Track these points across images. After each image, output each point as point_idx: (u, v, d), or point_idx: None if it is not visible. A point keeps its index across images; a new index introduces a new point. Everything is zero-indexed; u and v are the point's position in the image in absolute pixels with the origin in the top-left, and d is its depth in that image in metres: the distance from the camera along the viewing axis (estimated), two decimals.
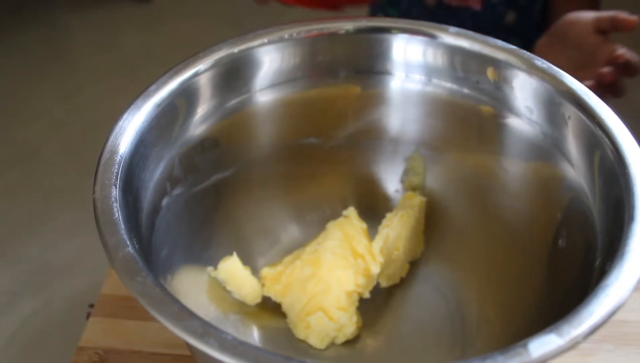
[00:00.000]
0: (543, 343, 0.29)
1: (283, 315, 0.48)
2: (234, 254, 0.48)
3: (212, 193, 0.48)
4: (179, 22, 1.78)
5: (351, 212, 0.51)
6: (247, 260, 0.49)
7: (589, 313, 0.30)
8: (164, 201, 0.43)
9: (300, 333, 0.47)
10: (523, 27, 0.81)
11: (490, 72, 0.46)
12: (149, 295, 0.31)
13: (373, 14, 0.90)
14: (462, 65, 0.47)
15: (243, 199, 0.50)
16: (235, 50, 0.46)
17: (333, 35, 0.48)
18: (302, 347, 0.47)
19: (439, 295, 0.50)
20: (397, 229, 0.49)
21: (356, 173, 0.53)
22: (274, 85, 0.48)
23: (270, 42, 0.47)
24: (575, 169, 0.42)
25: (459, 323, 0.48)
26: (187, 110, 0.44)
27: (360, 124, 0.51)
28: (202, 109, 0.45)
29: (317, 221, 0.52)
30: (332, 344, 0.47)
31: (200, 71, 0.44)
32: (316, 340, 0.47)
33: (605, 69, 0.53)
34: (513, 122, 0.46)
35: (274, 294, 0.49)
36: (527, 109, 0.45)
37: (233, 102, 0.47)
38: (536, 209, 0.46)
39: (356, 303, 0.48)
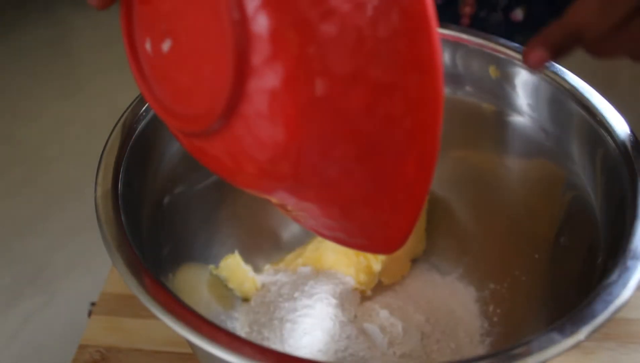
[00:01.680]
0: (545, 342, 0.29)
1: None
2: (236, 252, 0.48)
3: (213, 191, 0.48)
4: None
5: None
6: (248, 258, 0.49)
7: (591, 312, 0.30)
8: (166, 200, 0.43)
9: None
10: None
11: (492, 70, 0.46)
12: (150, 293, 0.31)
13: None
14: (464, 63, 0.47)
15: (245, 197, 0.50)
16: None
17: None
18: None
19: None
20: None
21: None
22: None
23: None
24: (577, 167, 0.42)
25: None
26: None
27: None
28: None
29: None
30: None
31: None
32: None
33: None
34: (515, 120, 0.46)
35: None
36: (529, 107, 0.45)
37: None
38: (538, 207, 0.46)
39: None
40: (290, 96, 0.24)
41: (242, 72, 0.24)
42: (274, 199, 0.30)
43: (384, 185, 0.28)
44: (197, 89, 0.26)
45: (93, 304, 0.52)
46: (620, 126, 0.39)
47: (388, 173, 0.28)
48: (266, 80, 0.24)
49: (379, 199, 0.29)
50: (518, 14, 0.69)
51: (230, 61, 0.24)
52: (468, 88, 0.48)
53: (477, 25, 0.68)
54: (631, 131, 0.39)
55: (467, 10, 0.66)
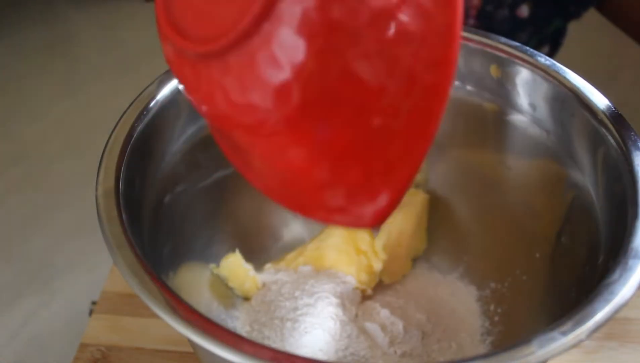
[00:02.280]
0: (546, 341, 0.29)
1: None
2: (237, 251, 0.48)
3: (214, 190, 0.48)
4: None
5: None
6: (249, 257, 0.49)
7: (592, 311, 0.30)
8: (167, 198, 0.43)
9: None
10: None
11: (493, 69, 0.46)
12: (151, 292, 0.31)
13: None
14: (465, 62, 0.47)
15: (245, 196, 0.50)
16: None
17: None
18: None
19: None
20: (400, 226, 0.49)
21: None
22: None
23: None
24: (578, 166, 0.42)
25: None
26: (189, 107, 0.44)
27: None
28: None
29: None
30: None
31: None
32: None
33: None
34: (516, 119, 0.46)
35: None
36: (530, 106, 0.45)
37: None
38: (539, 206, 0.46)
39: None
40: (321, 16, 0.25)
41: None
42: (258, 145, 0.29)
43: (384, 143, 0.28)
44: (223, 11, 0.26)
45: (94, 303, 0.52)
46: (621, 125, 0.39)
47: (390, 131, 0.27)
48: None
49: (374, 157, 0.28)
50: (524, 11, 0.69)
51: None
52: (469, 87, 0.48)
53: (483, 20, 0.68)
54: (632, 130, 0.39)
55: (475, 2, 0.66)
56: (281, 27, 0.25)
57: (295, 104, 0.26)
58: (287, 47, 0.25)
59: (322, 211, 0.32)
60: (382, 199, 0.29)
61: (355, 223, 0.31)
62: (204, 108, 0.29)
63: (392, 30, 0.25)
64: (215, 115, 0.29)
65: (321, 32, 0.25)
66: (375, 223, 0.31)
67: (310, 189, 0.30)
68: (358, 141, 0.28)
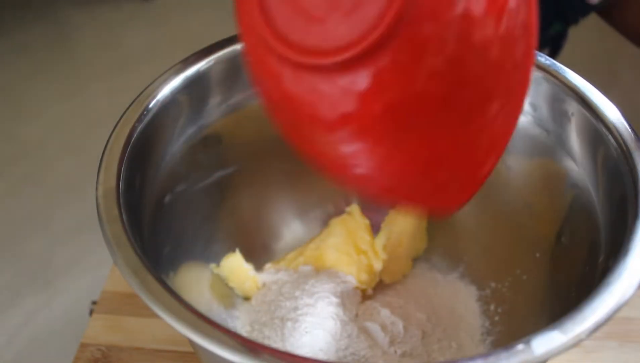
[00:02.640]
0: (546, 340, 0.29)
1: None
2: (237, 250, 0.48)
3: (215, 190, 0.48)
4: (183, 19, 1.78)
5: (354, 208, 0.51)
6: (249, 257, 0.49)
7: (592, 310, 0.30)
8: (167, 198, 0.43)
9: None
10: None
11: None
12: (151, 292, 0.31)
13: None
14: None
15: (246, 196, 0.50)
16: (239, 46, 0.46)
17: None
18: None
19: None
20: (400, 225, 0.49)
21: None
22: None
23: None
24: (578, 166, 0.42)
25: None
26: (190, 107, 0.44)
27: None
28: (205, 106, 0.45)
29: (320, 217, 0.52)
30: None
31: (203, 67, 0.44)
32: None
33: None
34: None
35: None
36: (530, 105, 0.45)
37: (236, 98, 0.47)
38: (539, 206, 0.46)
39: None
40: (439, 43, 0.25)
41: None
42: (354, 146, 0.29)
43: (472, 148, 0.29)
44: (337, 24, 0.26)
45: (94, 302, 0.52)
46: (621, 124, 0.39)
47: (478, 138, 0.29)
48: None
49: (461, 161, 0.30)
50: None
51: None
52: None
53: None
54: (632, 129, 0.39)
55: None
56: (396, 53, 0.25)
57: (395, 125, 0.27)
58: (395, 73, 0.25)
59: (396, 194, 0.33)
60: (466, 193, 0.31)
61: (432, 213, 0.33)
62: (289, 105, 0.29)
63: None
64: (303, 113, 0.29)
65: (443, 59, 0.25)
66: (454, 211, 0.34)
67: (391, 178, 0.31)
68: (452, 146, 0.29)
